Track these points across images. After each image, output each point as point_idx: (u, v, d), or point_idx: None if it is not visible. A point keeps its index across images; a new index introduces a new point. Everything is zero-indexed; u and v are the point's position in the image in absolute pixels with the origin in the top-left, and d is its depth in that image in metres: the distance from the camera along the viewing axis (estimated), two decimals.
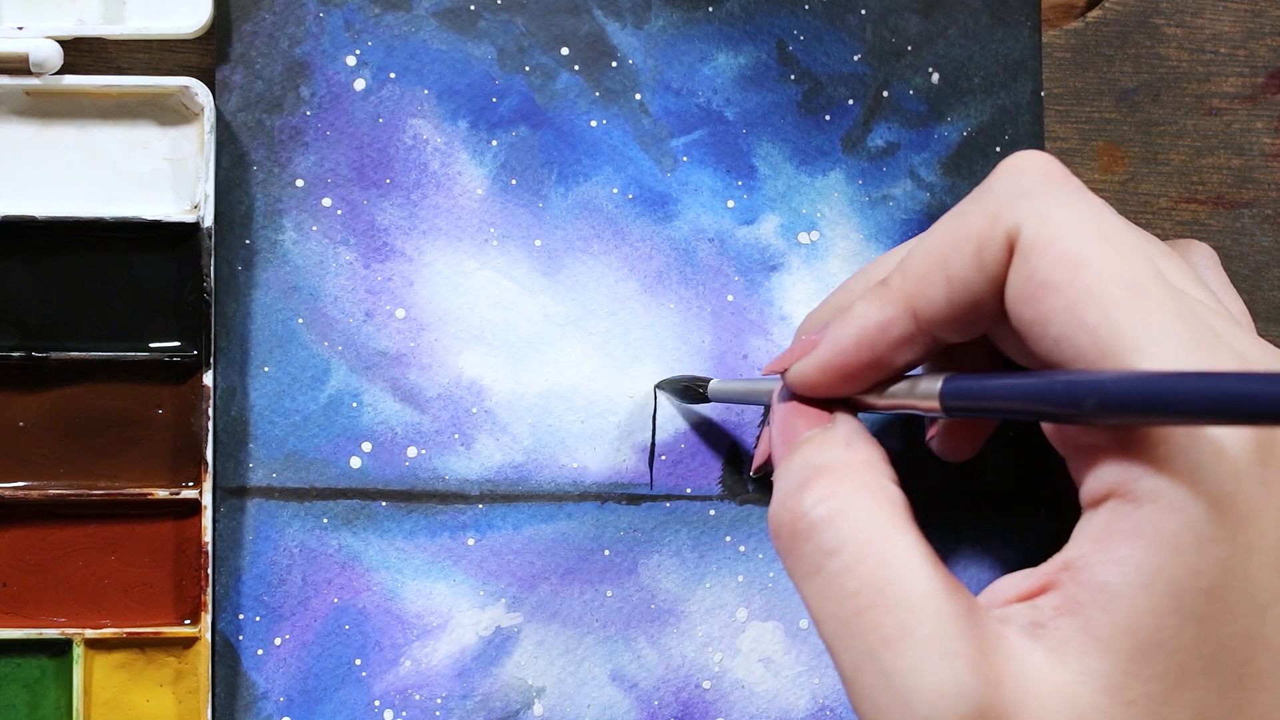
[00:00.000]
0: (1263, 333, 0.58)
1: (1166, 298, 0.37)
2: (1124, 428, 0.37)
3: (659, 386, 0.56)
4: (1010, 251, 0.39)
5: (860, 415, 0.45)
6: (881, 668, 0.37)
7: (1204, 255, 0.51)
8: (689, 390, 0.55)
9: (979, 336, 0.43)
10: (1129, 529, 0.37)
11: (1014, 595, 0.39)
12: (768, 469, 0.55)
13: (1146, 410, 0.35)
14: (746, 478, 0.56)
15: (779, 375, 0.46)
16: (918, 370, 0.44)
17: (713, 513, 0.56)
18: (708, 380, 0.54)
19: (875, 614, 0.38)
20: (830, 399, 0.45)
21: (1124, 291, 0.37)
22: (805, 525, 0.40)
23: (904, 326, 0.42)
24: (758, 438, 0.56)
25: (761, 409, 0.56)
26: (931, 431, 0.52)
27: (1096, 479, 0.38)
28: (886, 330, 0.42)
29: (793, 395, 0.45)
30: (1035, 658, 0.37)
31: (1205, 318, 0.38)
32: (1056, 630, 0.37)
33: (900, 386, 0.43)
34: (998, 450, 0.56)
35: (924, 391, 0.42)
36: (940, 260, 0.41)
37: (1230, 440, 0.36)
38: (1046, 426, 0.40)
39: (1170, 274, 0.42)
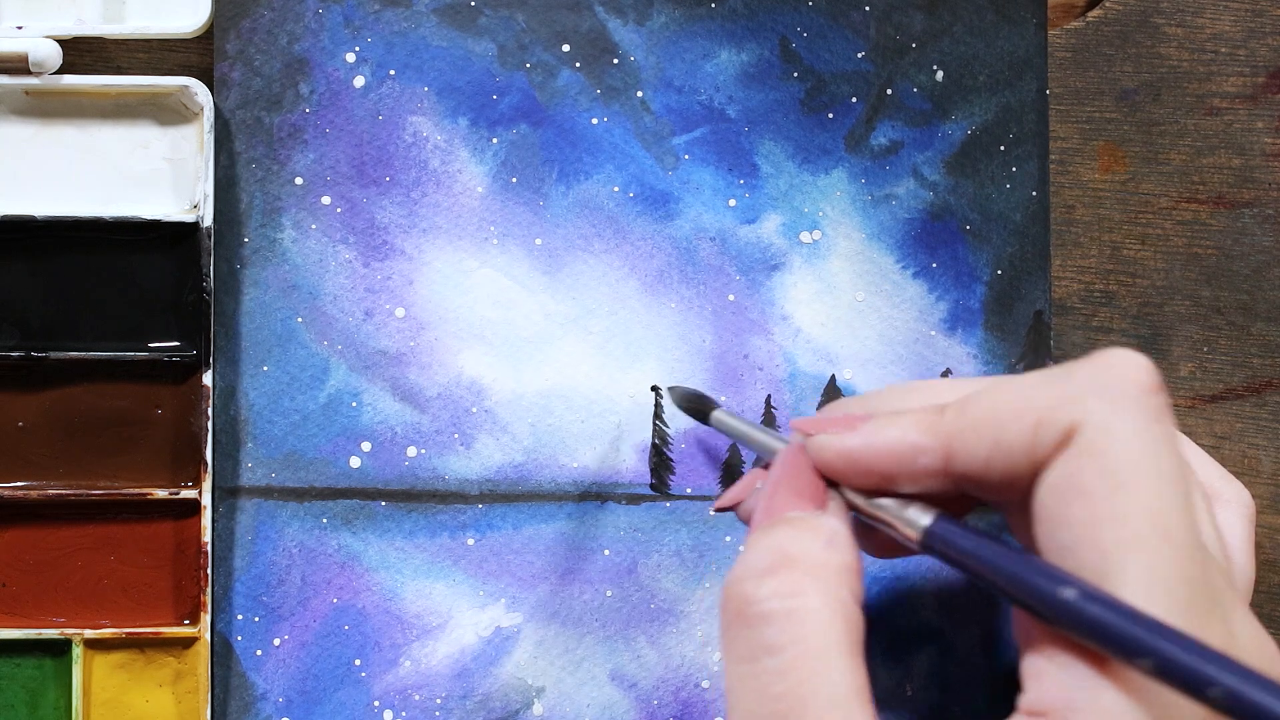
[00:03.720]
0: (1263, 333, 0.58)
1: (1185, 552, 0.37)
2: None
3: (670, 389, 0.56)
4: (1064, 442, 0.39)
5: None
6: None
7: (1241, 505, 0.50)
8: (695, 406, 0.54)
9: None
10: None
11: None
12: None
13: (1109, 644, 0.36)
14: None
15: (791, 436, 0.46)
16: None
17: (713, 512, 0.56)
18: (715, 404, 0.54)
19: None
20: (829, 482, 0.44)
21: (1150, 531, 0.37)
22: (755, 613, 0.40)
23: (933, 462, 0.42)
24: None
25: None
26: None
27: (1043, 682, 0.39)
28: (917, 457, 0.42)
29: (791, 461, 0.45)
30: None
31: (1212, 582, 0.38)
32: None
33: (890, 504, 0.43)
34: None
35: (910, 520, 0.42)
36: (997, 421, 0.40)
37: None
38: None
39: (1199, 519, 0.42)
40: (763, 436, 0.50)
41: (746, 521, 0.47)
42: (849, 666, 0.39)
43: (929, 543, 0.42)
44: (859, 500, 0.44)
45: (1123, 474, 0.38)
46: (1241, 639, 0.38)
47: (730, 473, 0.56)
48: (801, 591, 0.40)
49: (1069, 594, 0.37)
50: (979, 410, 0.41)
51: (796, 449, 0.45)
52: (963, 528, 0.41)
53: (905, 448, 0.42)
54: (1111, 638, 0.36)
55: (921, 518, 0.42)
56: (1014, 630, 0.41)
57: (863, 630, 0.40)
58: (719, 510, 0.50)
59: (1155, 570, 0.37)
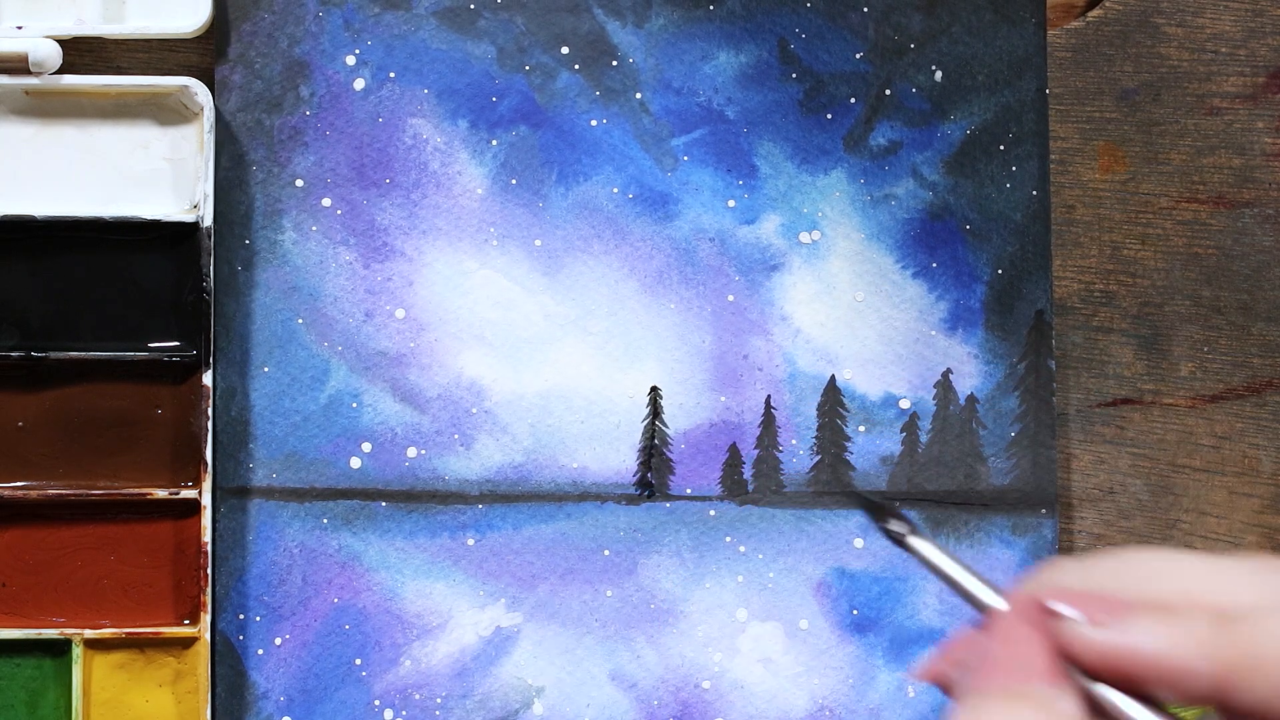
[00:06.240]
0: (1263, 333, 0.58)
1: None
2: None
3: (861, 503, 0.51)
4: None
5: None
6: None
7: None
8: (880, 512, 0.44)
9: None
10: None
11: None
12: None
13: None
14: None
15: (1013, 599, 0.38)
16: None
17: (713, 513, 0.56)
18: (907, 526, 0.44)
19: None
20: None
21: None
22: None
23: (1204, 688, 0.35)
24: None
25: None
26: None
27: None
28: (1185, 679, 0.35)
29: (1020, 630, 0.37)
30: None
31: None
32: None
33: (1147, 714, 0.36)
34: (999, 452, 0.56)
35: None
36: None
37: None
38: None
39: None
40: (979, 586, 0.40)
41: (945, 689, 0.40)
42: None
43: None
44: (1102, 691, 0.37)
45: None
46: None
47: (731, 473, 0.56)
48: None
49: None
50: (1269, 642, 0.34)
51: (1025, 615, 0.37)
52: None
53: (1173, 666, 0.35)
54: None
55: None
56: None
57: None
58: (920, 679, 0.41)
59: None
